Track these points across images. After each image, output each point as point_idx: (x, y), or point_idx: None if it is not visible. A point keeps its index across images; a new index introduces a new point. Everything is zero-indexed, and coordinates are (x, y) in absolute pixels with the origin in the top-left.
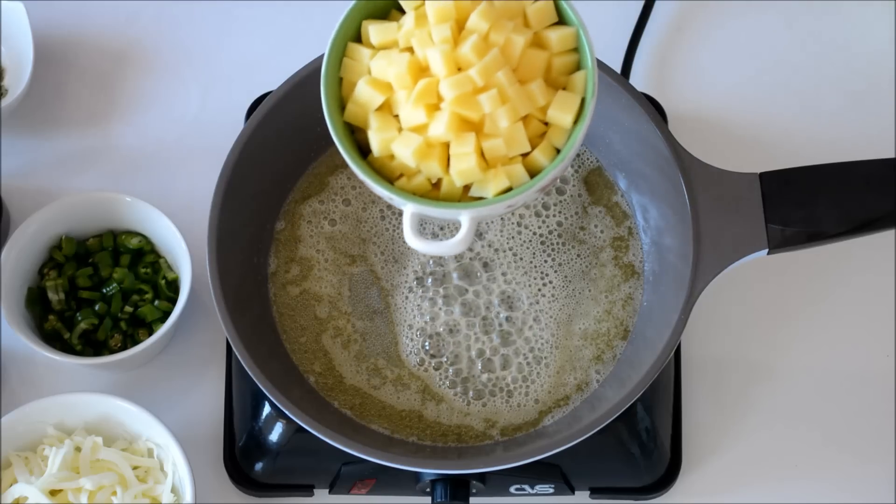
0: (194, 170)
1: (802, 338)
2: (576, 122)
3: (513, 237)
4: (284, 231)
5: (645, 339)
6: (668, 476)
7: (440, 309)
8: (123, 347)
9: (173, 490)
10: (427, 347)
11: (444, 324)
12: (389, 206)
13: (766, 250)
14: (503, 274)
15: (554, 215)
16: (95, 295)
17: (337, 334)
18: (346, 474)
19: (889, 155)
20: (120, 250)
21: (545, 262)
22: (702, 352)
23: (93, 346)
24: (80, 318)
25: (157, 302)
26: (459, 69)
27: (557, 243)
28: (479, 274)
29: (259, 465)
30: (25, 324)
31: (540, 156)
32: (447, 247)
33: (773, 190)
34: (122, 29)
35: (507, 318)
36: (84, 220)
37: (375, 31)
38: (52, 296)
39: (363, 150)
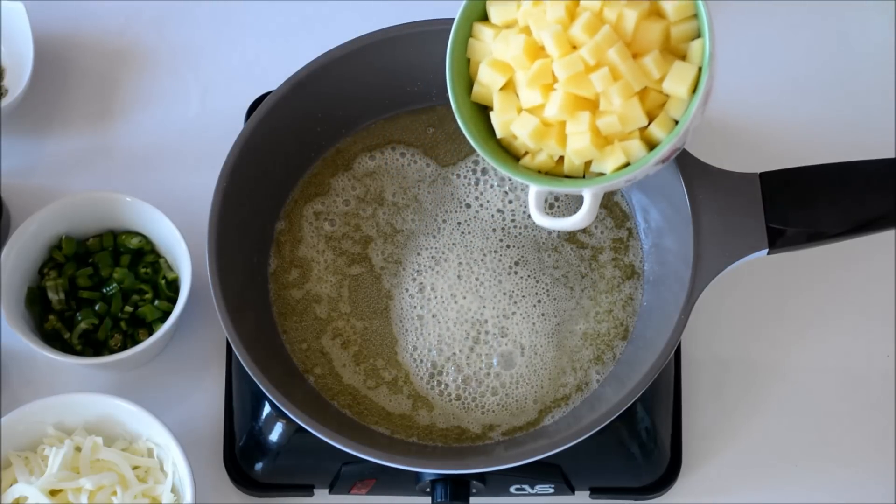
0: (194, 170)
1: (802, 338)
2: (695, 90)
3: (514, 237)
4: (284, 231)
5: (645, 339)
6: (668, 476)
7: (440, 309)
8: (123, 347)
9: (173, 490)
10: (427, 347)
11: (443, 324)
12: (390, 208)
13: (766, 250)
14: (503, 273)
15: (555, 216)
16: (95, 295)
17: (336, 335)
18: (346, 474)
19: (889, 155)
20: (120, 250)
21: (545, 262)
22: (702, 352)
23: (93, 346)
24: (80, 318)
25: (157, 302)
26: (574, 48)
27: (557, 244)
28: (478, 274)
29: (259, 465)
30: (25, 324)
31: (657, 129)
32: (572, 223)
33: (773, 190)
34: (122, 29)
35: (507, 318)
36: (84, 220)
37: (496, 10)
38: (52, 296)
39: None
